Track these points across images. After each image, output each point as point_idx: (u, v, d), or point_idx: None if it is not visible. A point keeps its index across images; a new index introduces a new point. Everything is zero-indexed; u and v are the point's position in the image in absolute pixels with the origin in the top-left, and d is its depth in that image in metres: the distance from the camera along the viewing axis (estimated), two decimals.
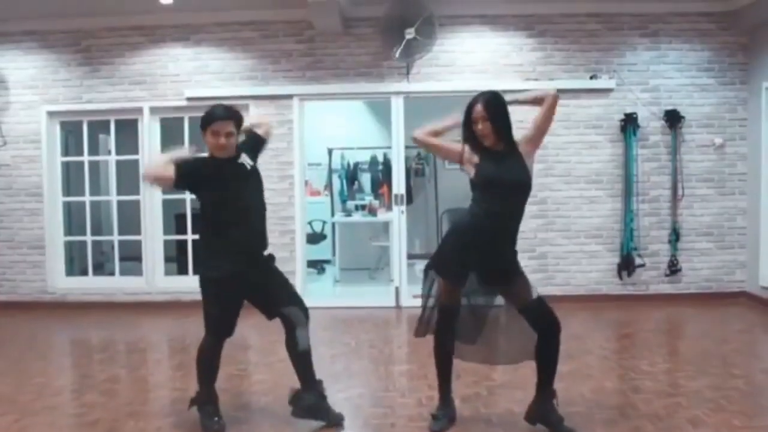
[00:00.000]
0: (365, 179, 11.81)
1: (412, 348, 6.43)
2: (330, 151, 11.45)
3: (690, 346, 6.54)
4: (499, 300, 4.21)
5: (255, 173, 4.41)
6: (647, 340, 6.73)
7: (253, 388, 5.36)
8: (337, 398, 4.76)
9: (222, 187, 4.15)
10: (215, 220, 4.21)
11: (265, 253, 4.45)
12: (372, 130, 11.44)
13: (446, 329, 4.24)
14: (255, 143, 4.54)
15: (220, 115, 4.12)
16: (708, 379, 5.19)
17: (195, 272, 6.77)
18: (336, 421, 4.37)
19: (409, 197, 11.21)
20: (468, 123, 4.00)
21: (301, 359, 4.41)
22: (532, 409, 4.22)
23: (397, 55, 7.46)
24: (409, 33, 7.37)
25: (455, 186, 11.34)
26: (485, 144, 3.98)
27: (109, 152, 9.27)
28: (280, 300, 4.35)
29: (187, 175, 4.16)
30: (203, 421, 4.31)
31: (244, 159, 4.32)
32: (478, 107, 3.93)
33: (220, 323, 4.30)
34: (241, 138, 4.38)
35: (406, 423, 4.42)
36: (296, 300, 4.42)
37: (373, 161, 11.64)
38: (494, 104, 3.94)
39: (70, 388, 5.41)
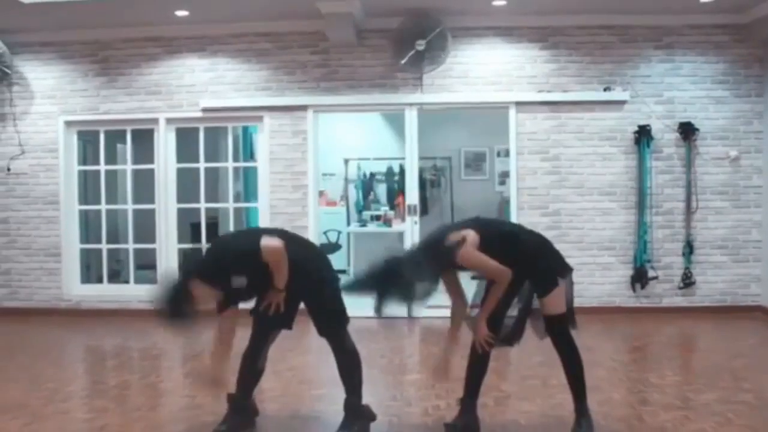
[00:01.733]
0: (381, 190, 11.85)
1: (422, 358, 6.45)
2: (346, 162, 11.51)
3: (700, 360, 6.50)
4: None
5: None
6: (658, 353, 6.69)
7: (261, 396, 5.38)
8: (339, 405, 4.77)
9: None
10: None
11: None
12: (388, 141, 11.49)
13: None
14: None
15: None
16: (717, 392, 5.15)
17: None
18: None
19: (424, 208, 11.25)
20: None
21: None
22: None
23: (403, 62, 7.49)
24: (420, 45, 7.41)
25: (470, 197, 11.45)
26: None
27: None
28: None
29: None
30: None
31: None
32: None
33: None
34: None
35: None
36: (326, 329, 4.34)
37: (389, 172, 11.70)
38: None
39: (81, 393, 5.46)
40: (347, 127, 11.11)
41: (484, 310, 4.04)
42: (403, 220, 8.72)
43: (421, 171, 11.43)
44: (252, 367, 4.45)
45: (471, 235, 3.90)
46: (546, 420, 4.64)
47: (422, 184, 11.37)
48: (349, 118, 10.73)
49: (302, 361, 6.48)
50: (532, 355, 6.79)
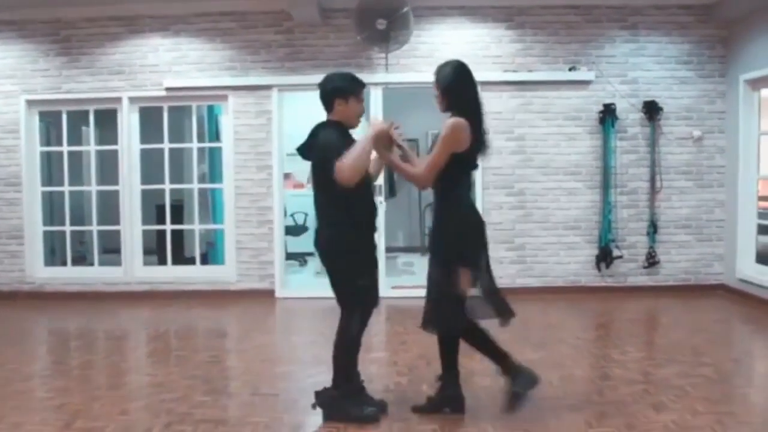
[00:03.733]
0: None
1: (386, 337, 6.46)
2: None
3: (662, 336, 6.57)
4: None
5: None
6: (621, 330, 6.75)
7: (223, 373, 5.37)
8: (305, 384, 4.78)
9: None
10: None
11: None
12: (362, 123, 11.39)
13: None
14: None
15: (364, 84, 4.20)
16: (677, 367, 5.22)
17: None
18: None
19: (392, 190, 11.23)
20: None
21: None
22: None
23: (361, 38, 7.43)
24: (381, 24, 7.33)
25: None
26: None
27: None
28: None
29: None
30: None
31: None
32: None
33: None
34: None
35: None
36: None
37: None
38: (440, 76, 4.12)
39: (41, 373, 5.42)
40: (318, 108, 11.00)
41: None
42: None
43: None
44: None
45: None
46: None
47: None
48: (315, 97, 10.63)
49: (267, 339, 6.47)
50: (496, 332, 6.86)
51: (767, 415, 4.25)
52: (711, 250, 8.11)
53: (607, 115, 7.90)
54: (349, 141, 4.07)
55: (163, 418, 4.26)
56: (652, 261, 8.02)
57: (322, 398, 4.21)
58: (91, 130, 8.37)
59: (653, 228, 8.02)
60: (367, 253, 4.19)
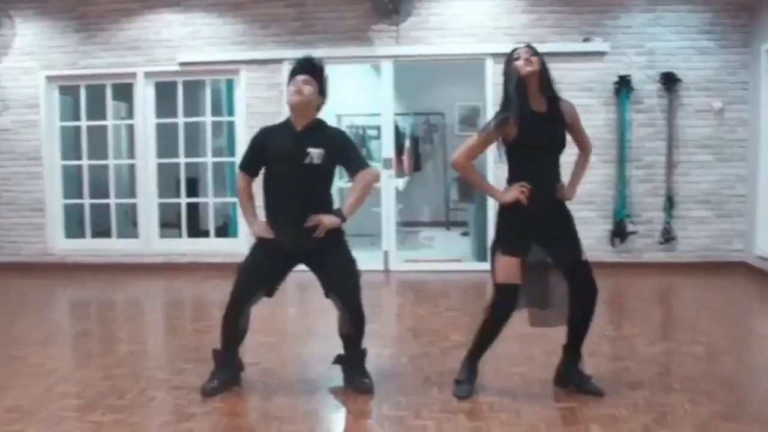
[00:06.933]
0: (374, 146, 11.76)
1: (382, 309, 6.47)
2: (339, 117, 11.41)
3: (666, 313, 6.45)
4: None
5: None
6: (625, 306, 6.63)
7: (212, 343, 5.43)
8: (289, 354, 4.83)
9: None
10: None
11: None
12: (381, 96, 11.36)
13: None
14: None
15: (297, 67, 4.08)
16: (668, 344, 5.14)
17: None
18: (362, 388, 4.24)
19: (417, 164, 11.20)
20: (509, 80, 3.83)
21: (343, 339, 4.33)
22: (561, 371, 4.21)
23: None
24: None
25: None
26: (528, 69, 3.75)
27: (122, 117, 9.44)
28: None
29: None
30: None
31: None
32: (523, 48, 3.83)
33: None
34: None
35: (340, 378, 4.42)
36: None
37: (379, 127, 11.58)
38: (536, 50, 3.85)
39: (41, 341, 5.56)
40: (342, 82, 10.98)
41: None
42: (398, 176, 8.64)
43: (414, 127, 11.39)
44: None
45: None
46: (483, 368, 4.60)
47: (415, 140, 11.32)
48: (344, 72, 10.60)
49: (264, 311, 6.44)
50: None
51: (743, 395, 4.13)
52: (731, 226, 7.88)
53: (623, 87, 7.71)
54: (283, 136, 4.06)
55: (141, 384, 4.36)
56: (668, 237, 7.84)
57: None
58: (108, 104, 8.50)
59: (670, 203, 7.82)
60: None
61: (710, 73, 7.78)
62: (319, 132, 4.08)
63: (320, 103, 4.10)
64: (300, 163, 3.95)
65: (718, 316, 6.05)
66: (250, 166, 4.18)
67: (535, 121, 3.80)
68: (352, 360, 4.31)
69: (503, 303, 4.02)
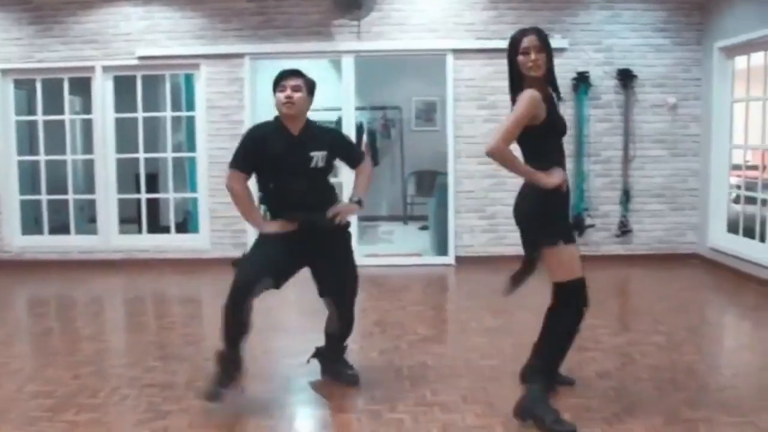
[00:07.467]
0: None
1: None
2: None
3: (626, 304, 6.62)
4: None
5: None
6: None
7: (182, 339, 5.42)
8: (259, 349, 4.83)
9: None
10: None
11: None
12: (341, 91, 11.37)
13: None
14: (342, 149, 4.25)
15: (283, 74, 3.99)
16: (631, 335, 5.27)
17: None
18: (350, 380, 4.31)
19: (375, 159, 11.22)
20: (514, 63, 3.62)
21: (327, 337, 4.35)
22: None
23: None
24: None
25: (421, 148, 11.42)
26: (532, 74, 3.56)
27: (77, 112, 9.29)
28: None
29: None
30: None
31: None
32: (532, 37, 3.58)
33: None
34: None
35: (315, 372, 4.45)
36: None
37: (339, 123, 11.58)
38: (544, 36, 3.64)
39: (3, 340, 5.46)
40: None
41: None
42: None
43: (372, 121, 11.42)
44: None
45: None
46: (454, 362, 4.70)
47: (373, 134, 11.34)
48: (302, 67, 10.52)
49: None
50: (460, 300, 6.93)
51: (705, 382, 4.27)
52: (684, 219, 8.11)
53: (581, 83, 7.86)
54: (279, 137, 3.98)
55: (112, 383, 4.33)
56: (624, 230, 8.03)
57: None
58: (65, 97, 8.35)
59: (626, 197, 8.01)
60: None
61: (665, 69, 7.98)
62: (316, 134, 4.08)
63: (310, 104, 4.07)
64: (306, 168, 3.95)
65: (675, 307, 6.23)
66: (246, 165, 3.97)
67: (552, 104, 3.68)
68: (334, 354, 4.35)
69: (583, 299, 3.85)
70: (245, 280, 3.81)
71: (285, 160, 3.92)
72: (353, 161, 4.25)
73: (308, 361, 4.41)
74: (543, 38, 3.61)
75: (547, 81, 3.68)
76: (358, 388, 4.22)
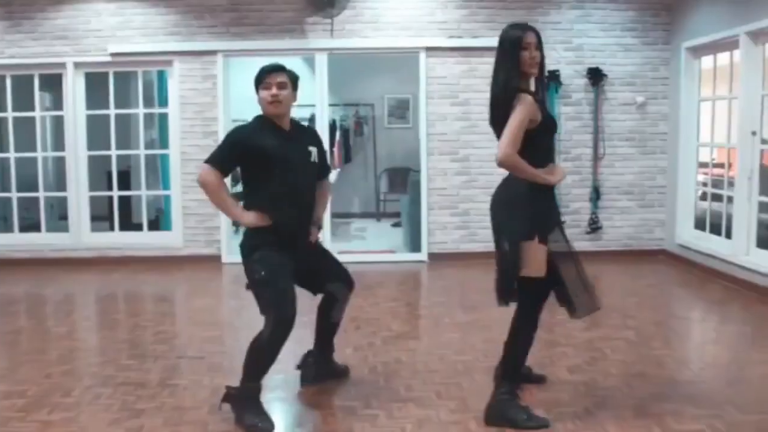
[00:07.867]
0: None
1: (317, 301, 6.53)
2: None
3: None
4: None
5: None
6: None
7: (155, 337, 5.41)
8: (234, 347, 4.82)
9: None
10: None
11: None
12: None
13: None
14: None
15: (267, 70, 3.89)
16: (602, 330, 5.34)
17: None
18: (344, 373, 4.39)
19: (348, 156, 11.26)
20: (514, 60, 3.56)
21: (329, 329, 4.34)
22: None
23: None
24: None
25: (394, 146, 11.50)
26: (531, 72, 3.58)
27: (47, 108, 9.19)
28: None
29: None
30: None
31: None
32: (531, 34, 3.57)
33: None
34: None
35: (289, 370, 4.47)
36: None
37: (313, 120, 11.59)
38: (539, 35, 3.62)
39: None
40: None
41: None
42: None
43: (345, 119, 11.44)
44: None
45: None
46: (428, 357, 4.75)
47: (345, 132, 11.37)
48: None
49: (204, 304, 6.52)
50: (433, 296, 6.99)
51: (673, 376, 4.37)
52: (653, 215, 8.24)
53: (552, 81, 7.94)
54: (262, 134, 3.89)
55: (86, 382, 4.33)
56: (594, 227, 8.15)
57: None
58: (36, 94, 8.28)
59: (596, 194, 8.13)
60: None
61: (634, 68, 8.10)
62: (305, 131, 4.12)
63: (295, 99, 3.99)
64: (308, 162, 3.95)
65: (644, 302, 6.36)
66: (225, 165, 3.85)
67: (543, 104, 3.69)
68: (330, 349, 4.36)
69: (540, 298, 3.83)
70: (289, 316, 3.72)
71: (286, 156, 3.85)
72: (323, 172, 4.19)
73: (298, 367, 4.31)
74: (539, 38, 3.61)
75: (538, 81, 3.70)
76: (347, 378, 4.31)
